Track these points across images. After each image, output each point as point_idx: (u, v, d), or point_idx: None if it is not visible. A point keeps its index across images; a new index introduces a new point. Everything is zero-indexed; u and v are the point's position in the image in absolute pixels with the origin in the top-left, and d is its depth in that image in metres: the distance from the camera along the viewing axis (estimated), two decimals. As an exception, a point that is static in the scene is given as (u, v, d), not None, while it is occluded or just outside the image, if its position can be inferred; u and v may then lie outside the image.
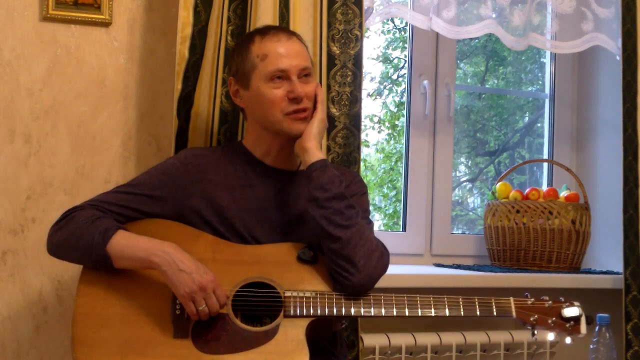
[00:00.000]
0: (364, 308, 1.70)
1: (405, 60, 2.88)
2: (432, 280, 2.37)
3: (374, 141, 3.04)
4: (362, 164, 2.25)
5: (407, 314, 1.71)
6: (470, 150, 3.14)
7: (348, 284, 1.70)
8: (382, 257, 1.74)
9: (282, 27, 2.01)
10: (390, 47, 3.06)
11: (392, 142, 3.05)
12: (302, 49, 1.85)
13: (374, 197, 3.05)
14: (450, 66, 2.78)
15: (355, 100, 2.19)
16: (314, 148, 1.79)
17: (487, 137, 3.17)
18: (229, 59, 1.97)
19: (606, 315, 2.05)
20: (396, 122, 3.02)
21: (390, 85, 3.05)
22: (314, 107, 1.84)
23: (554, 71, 3.00)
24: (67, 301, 2.15)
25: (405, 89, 2.82)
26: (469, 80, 3.13)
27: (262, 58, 1.80)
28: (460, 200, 3.16)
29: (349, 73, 2.19)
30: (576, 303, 1.76)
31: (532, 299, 1.76)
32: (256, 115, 1.85)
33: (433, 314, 1.72)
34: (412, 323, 2.33)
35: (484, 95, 3.11)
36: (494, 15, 2.54)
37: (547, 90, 3.04)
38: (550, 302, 1.75)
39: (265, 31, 1.85)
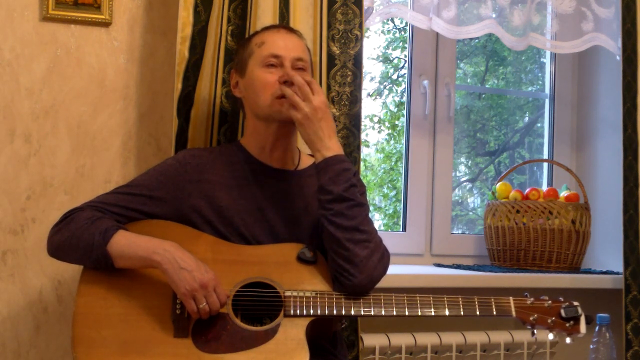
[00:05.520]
0: (363, 308, 1.70)
1: (405, 60, 2.88)
2: (432, 280, 2.37)
3: (374, 141, 3.05)
4: (362, 164, 2.26)
5: (406, 313, 1.71)
6: (470, 150, 3.14)
7: (349, 284, 1.70)
8: (382, 257, 1.74)
9: (285, 25, 2.04)
10: (390, 47, 3.06)
11: (392, 142, 3.06)
12: (301, 43, 1.88)
13: (374, 197, 3.05)
14: (450, 66, 2.78)
15: (355, 100, 2.19)
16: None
17: (487, 137, 3.17)
18: (233, 56, 1.98)
19: (606, 315, 2.05)
20: (396, 122, 3.02)
21: (390, 85, 3.05)
22: None
23: (554, 71, 3.00)
24: (67, 301, 2.15)
25: (405, 89, 2.83)
26: (469, 80, 3.13)
27: (259, 45, 1.85)
28: (460, 200, 3.16)
29: (349, 73, 2.19)
30: (575, 303, 1.76)
31: (532, 299, 1.76)
32: (250, 103, 1.86)
33: (433, 314, 1.72)
34: (412, 323, 2.33)
35: (484, 95, 3.11)
36: (494, 15, 2.54)
37: (547, 90, 3.04)
38: (549, 301, 1.75)
39: (269, 27, 1.92)
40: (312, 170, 1.82)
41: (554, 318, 1.74)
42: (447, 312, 1.72)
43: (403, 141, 2.80)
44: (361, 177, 2.07)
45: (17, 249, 2.13)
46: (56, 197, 2.16)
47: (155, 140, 2.25)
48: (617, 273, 2.63)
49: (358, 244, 1.70)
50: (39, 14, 2.15)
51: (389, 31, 3.04)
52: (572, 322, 1.73)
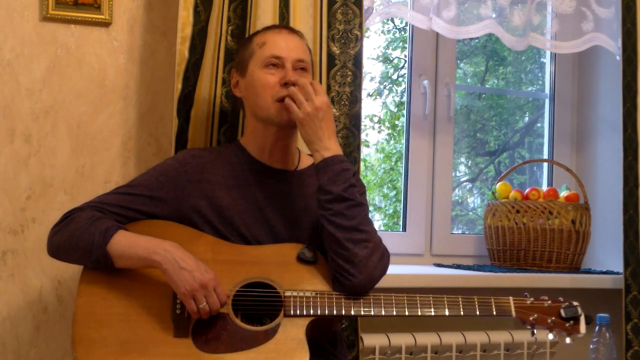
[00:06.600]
0: (363, 308, 1.70)
1: (405, 60, 2.88)
2: (432, 280, 2.37)
3: (374, 141, 3.05)
4: (362, 164, 2.26)
5: (406, 313, 1.71)
6: (470, 150, 3.14)
7: (349, 284, 1.70)
8: (382, 257, 1.74)
9: (286, 25, 2.04)
10: (390, 47, 3.06)
11: (392, 142, 3.06)
12: (302, 44, 1.88)
13: (374, 197, 3.05)
14: (450, 66, 2.78)
15: (355, 100, 2.20)
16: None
17: (487, 137, 3.17)
18: (234, 55, 1.98)
19: (606, 315, 2.05)
20: (396, 122, 3.02)
21: (390, 85, 3.05)
22: None
23: (554, 71, 3.00)
24: (67, 301, 2.15)
25: (405, 89, 2.83)
26: (469, 80, 3.13)
27: (260, 45, 1.85)
28: (460, 200, 3.16)
29: (349, 73, 2.19)
30: (575, 303, 1.76)
31: (532, 299, 1.76)
32: (250, 103, 1.86)
33: (433, 314, 1.72)
34: (412, 323, 2.33)
35: (484, 95, 3.11)
36: (494, 15, 2.54)
37: (547, 90, 3.04)
38: (549, 301, 1.75)
39: (270, 26, 1.92)
40: (312, 171, 1.83)
41: (553, 318, 1.74)
42: (447, 312, 1.72)
43: (403, 141, 2.80)
44: (361, 177, 2.07)
45: (17, 249, 2.13)
46: (56, 197, 2.16)
47: (155, 140, 2.25)
48: (617, 273, 2.63)
49: (358, 243, 1.70)
50: (39, 14, 2.15)
51: (389, 31, 3.04)
52: (572, 322, 1.73)
